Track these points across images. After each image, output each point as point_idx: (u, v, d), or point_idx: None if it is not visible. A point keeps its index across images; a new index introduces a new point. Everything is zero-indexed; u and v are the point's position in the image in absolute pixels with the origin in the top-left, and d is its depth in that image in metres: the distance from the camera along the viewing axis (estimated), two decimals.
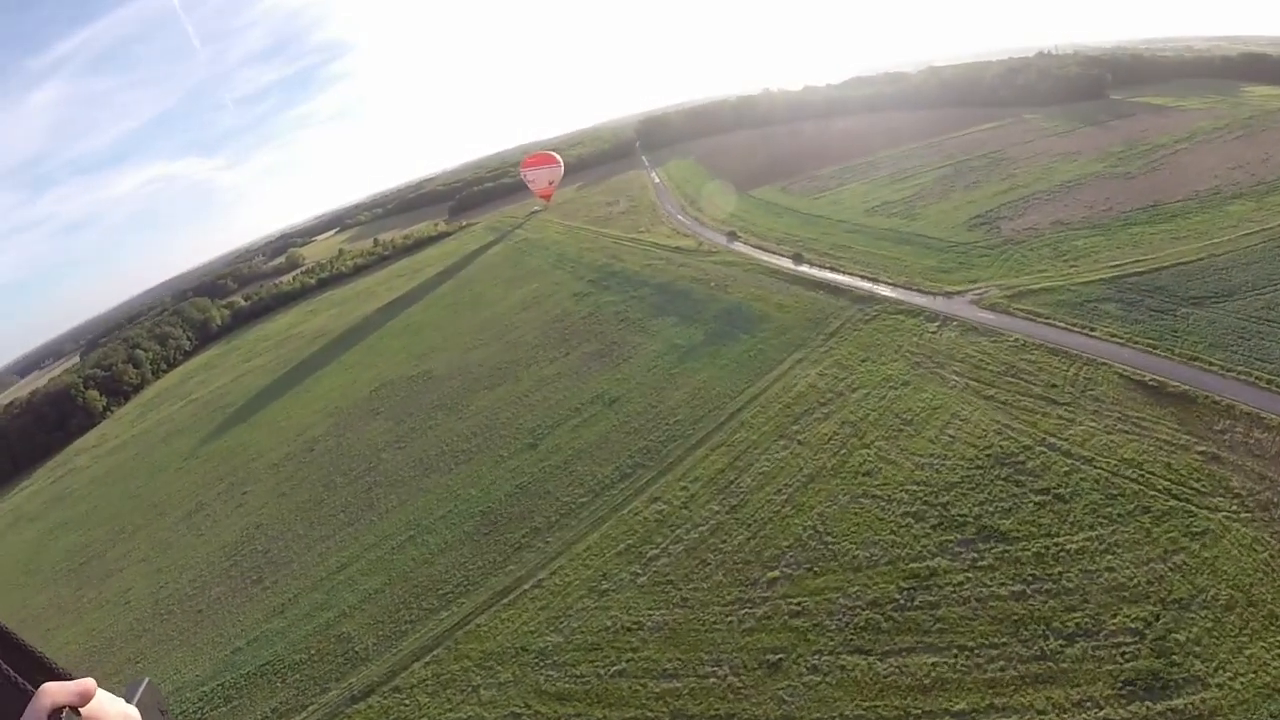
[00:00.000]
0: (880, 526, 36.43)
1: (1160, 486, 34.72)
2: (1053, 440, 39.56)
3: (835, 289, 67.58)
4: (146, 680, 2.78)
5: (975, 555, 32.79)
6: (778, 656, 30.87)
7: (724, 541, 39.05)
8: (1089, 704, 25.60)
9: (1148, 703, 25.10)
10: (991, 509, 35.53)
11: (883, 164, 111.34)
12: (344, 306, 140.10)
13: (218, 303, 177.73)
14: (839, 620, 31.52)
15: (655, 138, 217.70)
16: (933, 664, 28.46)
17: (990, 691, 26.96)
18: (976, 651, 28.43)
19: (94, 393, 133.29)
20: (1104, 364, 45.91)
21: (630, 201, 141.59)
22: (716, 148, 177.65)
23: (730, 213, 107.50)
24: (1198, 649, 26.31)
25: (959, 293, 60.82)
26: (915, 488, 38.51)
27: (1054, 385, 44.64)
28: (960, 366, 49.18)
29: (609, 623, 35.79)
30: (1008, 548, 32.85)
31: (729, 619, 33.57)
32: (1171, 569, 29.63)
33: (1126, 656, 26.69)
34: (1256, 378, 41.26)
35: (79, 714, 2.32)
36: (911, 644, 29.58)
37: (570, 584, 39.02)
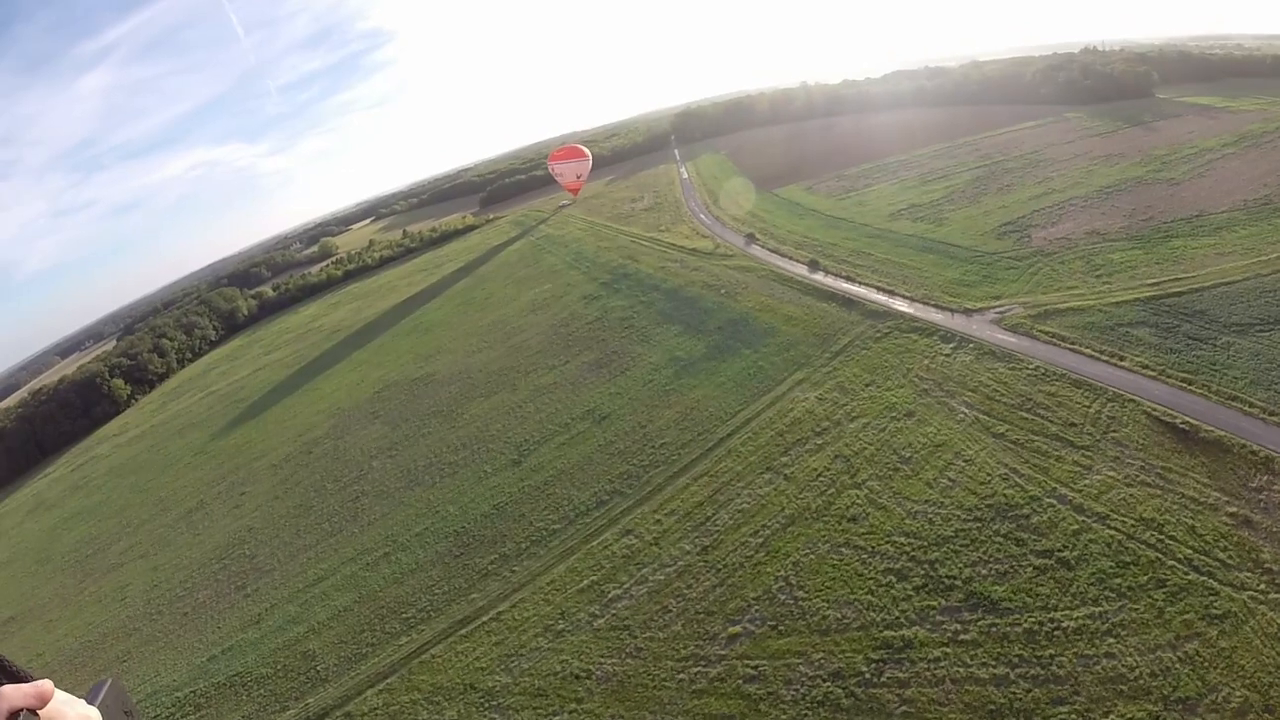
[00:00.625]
0: (858, 583, 33.28)
1: (1180, 555, 30.77)
2: (1064, 491, 35.69)
3: (848, 301, 63.71)
4: (110, 681, 2.83)
5: (959, 626, 29.46)
6: None
7: (689, 587, 36.51)
8: None
9: None
10: (985, 571, 32.04)
11: (914, 163, 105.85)
12: (364, 300, 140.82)
13: (245, 293, 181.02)
14: (796, 690, 28.65)
15: (690, 131, 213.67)
16: None
17: None
18: None
19: (119, 381, 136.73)
20: (1131, 400, 41.56)
21: (655, 198, 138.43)
22: (748, 143, 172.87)
23: (751, 213, 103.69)
24: None
25: (980, 310, 56.50)
26: (903, 540, 35.16)
27: (1073, 424, 40.53)
28: (971, 397, 45.27)
29: (559, 667, 33.80)
30: (996, 620, 29.41)
31: (680, 676, 31.06)
32: (1181, 659, 25.90)
33: None
34: None
35: (37, 716, 2.37)
36: None
37: (528, 619, 37.52)
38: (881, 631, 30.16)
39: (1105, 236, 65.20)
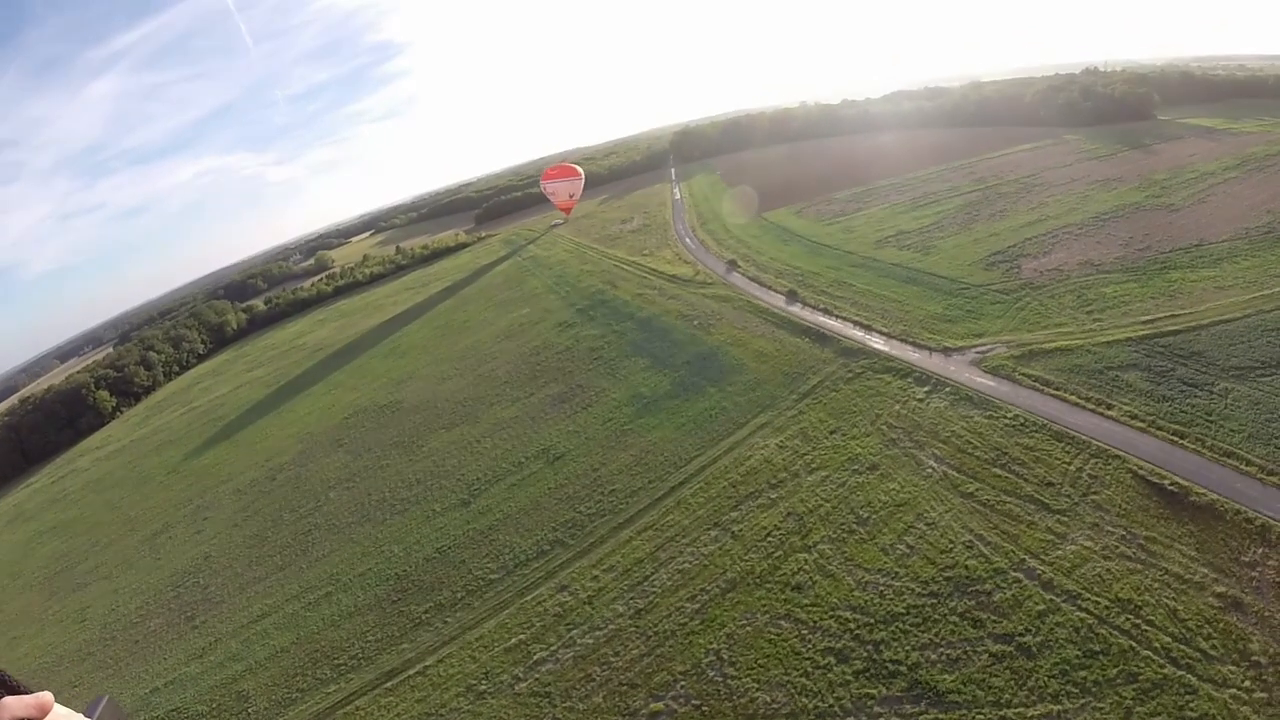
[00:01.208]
0: (794, 662, 29.72)
1: (1158, 644, 27.05)
2: (1033, 564, 31.98)
3: (822, 336, 60.25)
4: (107, 698, 2.87)
5: None
6: None
7: (617, 654, 33.52)
8: None
9: None
10: (934, 656, 28.36)
11: (907, 186, 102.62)
12: (349, 318, 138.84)
13: (236, 306, 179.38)
14: None
15: (688, 151, 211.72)
16: None
17: None
18: None
19: (104, 393, 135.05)
20: (1117, 457, 37.86)
21: (645, 219, 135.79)
22: (744, 163, 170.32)
23: (737, 237, 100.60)
24: None
25: (960, 349, 52.91)
26: (848, 614, 31.56)
27: (1050, 484, 36.83)
28: (942, 449, 41.61)
29: None
30: (941, 715, 25.79)
31: None
32: None
33: None
34: None
35: None
36: None
37: (452, 677, 35.46)
38: None
39: (1099, 268, 61.63)
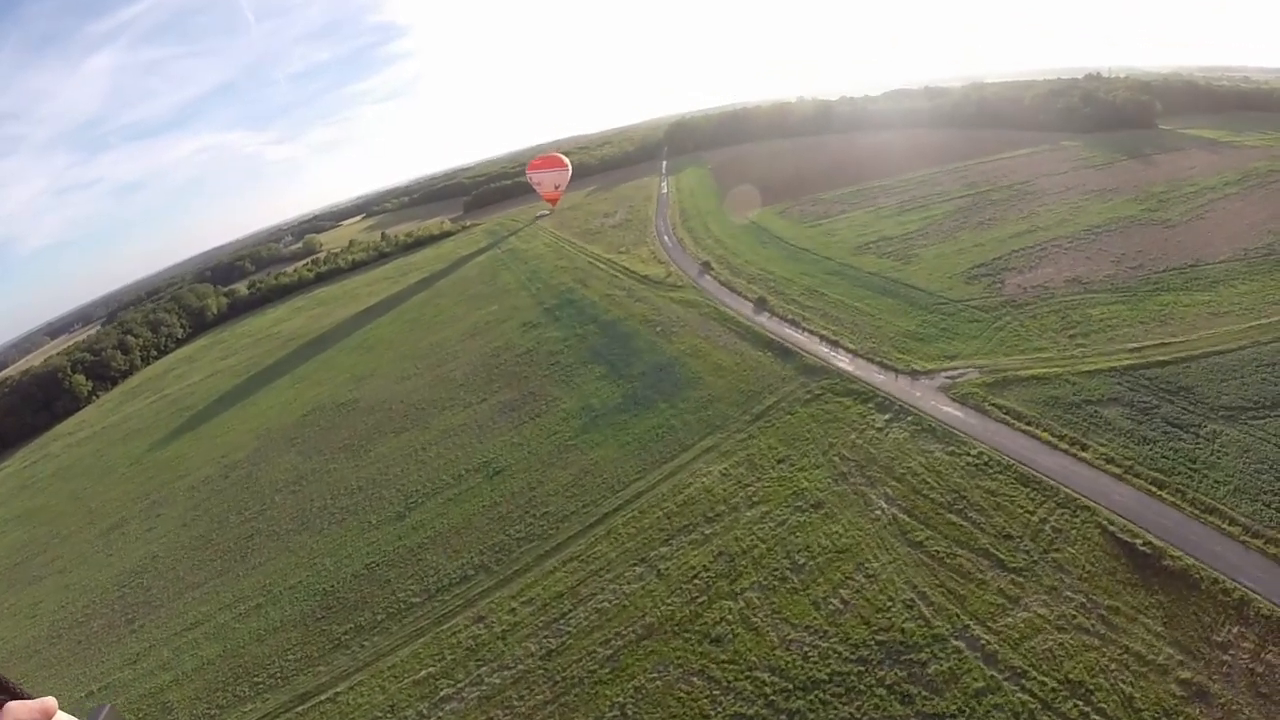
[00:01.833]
0: None
1: None
2: (977, 632, 28.29)
3: (786, 351, 56.36)
4: (109, 706, 2.88)
5: None
6: None
7: (521, 698, 31.06)
8: None
9: None
10: None
11: (897, 189, 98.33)
12: (326, 307, 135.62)
13: (219, 290, 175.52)
14: None
15: (682, 143, 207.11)
16: None
17: None
18: None
19: (80, 377, 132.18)
20: (1087, 508, 34.05)
21: (628, 213, 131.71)
22: (737, 158, 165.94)
23: (716, 237, 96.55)
24: None
25: (929, 372, 49.01)
26: (766, 677, 28.10)
27: (1009, 536, 33.04)
28: (895, 488, 37.81)
29: None
30: None
31: None
32: None
33: None
34: None
35: None
36: None
37: (359, 707, 33.71)
38: None
39: (1087, 286, 57.61)
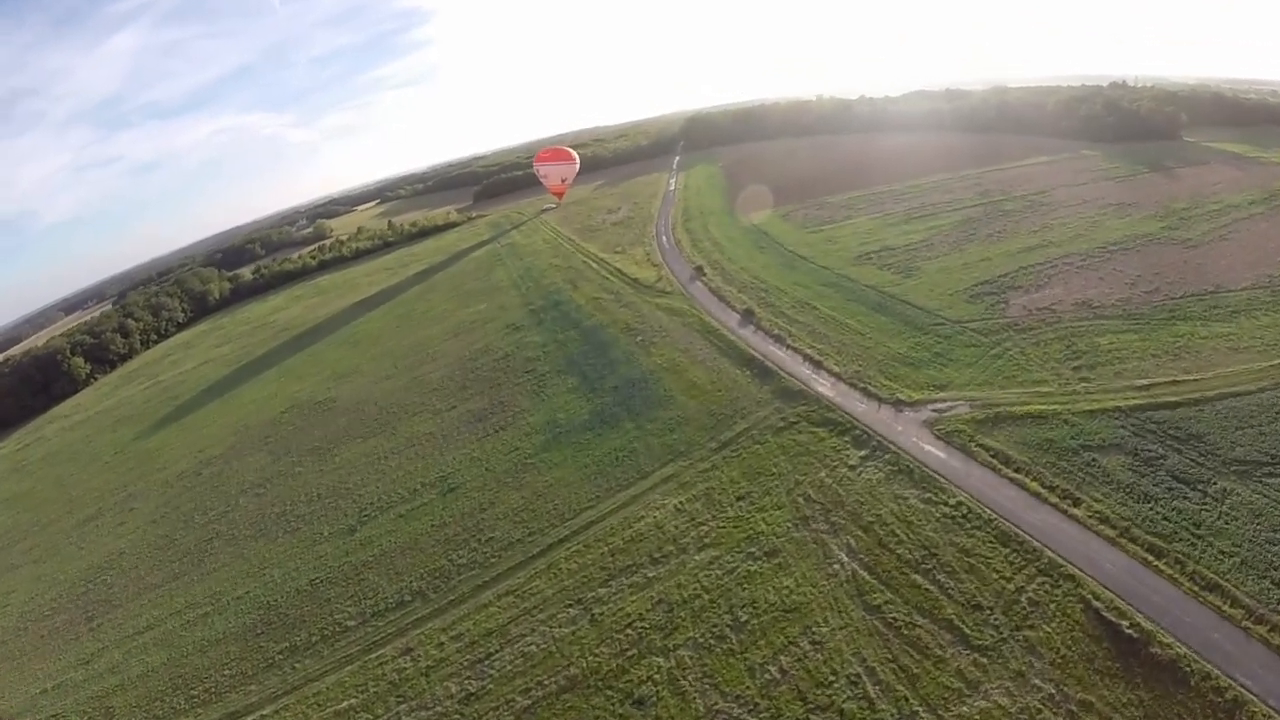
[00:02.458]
0: None
1: None
2: None
3: (766, 370, 52.71)
4: None
5: None
6: None
7: None
8: None
9: None
10: None
11: (906, 195, 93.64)
12: (324, 297, 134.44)
13: (222, 275, 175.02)
14: None
15: (696, 138, 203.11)
16: None
17: None
18: None
19: (79, 359, 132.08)
20: (1071, 577, 30.12)
21: (631, 210, 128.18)
22: (750, 155, 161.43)
23: (714, 239, 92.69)
24: None
25: (915, 404, 45.04)
26: None
27: (978, 606, 29.32)
28: (859, 538, 34.19)
29: None
30: None
31: None
32: None
33: None
34: None
35: None
36: None
37: None
38: None
39: (1098, 311, 53.17)
